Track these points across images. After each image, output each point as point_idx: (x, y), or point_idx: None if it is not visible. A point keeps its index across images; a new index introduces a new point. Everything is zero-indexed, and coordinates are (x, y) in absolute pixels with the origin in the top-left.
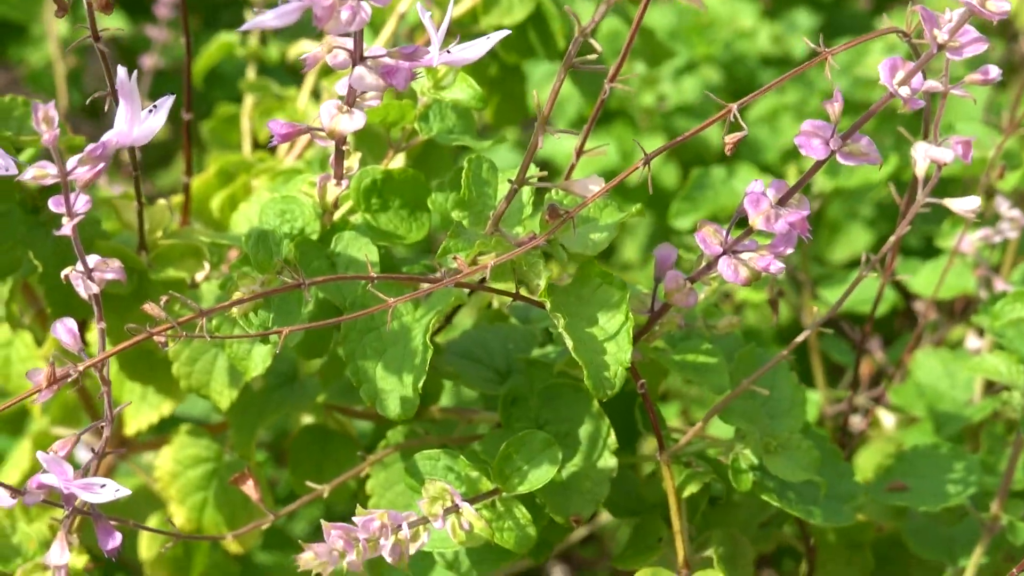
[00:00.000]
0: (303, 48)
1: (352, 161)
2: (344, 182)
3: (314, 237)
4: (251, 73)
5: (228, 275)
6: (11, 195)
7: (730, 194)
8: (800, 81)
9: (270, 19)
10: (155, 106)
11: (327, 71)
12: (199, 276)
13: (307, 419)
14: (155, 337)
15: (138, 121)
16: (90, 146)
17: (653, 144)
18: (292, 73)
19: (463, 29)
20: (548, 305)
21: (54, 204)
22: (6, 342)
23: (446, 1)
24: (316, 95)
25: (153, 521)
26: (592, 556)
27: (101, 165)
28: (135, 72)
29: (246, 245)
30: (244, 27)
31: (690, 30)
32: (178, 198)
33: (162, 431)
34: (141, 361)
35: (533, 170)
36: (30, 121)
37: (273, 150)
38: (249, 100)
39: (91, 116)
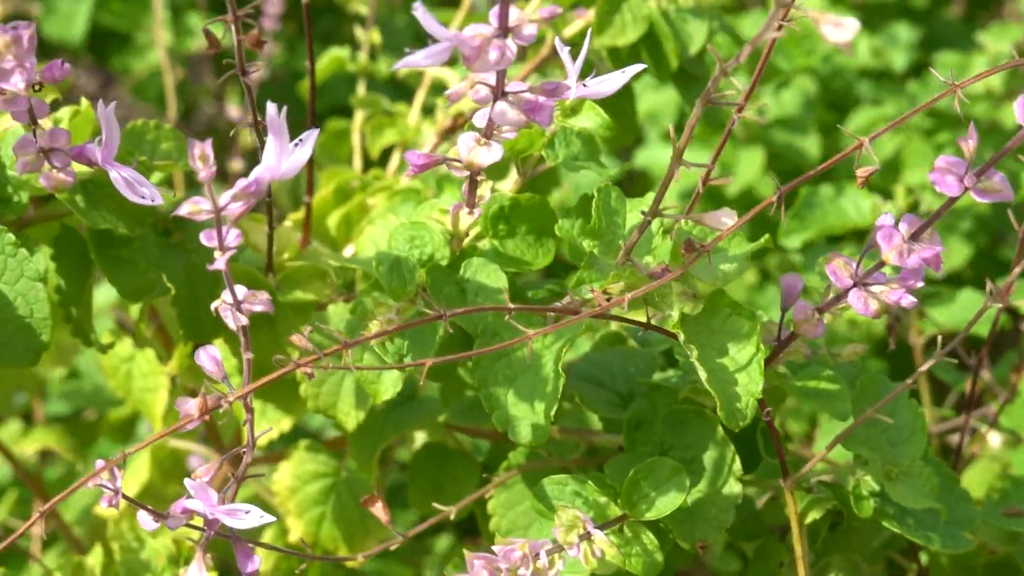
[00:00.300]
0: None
1: (484, 190)
2: (476, 211)
3: (443, 263)
4: (361, 88)
5: (359, 300)
6: (145, 219)
7: (838, 213)
8: (898, 93)
9: (420, 59)
10: (301, 140)
11: (439, 88)
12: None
13: (420, 435)
14: (301, 369)
15: (286, 155)
16: (243, 182)
17: (752, 157)
18: (401, 88)
19: (575, 49)
20: (681, 336)
21: (206, 238)
22: (128, 357)
23: (561, 23)
24: (426, 111)
25: (268, 535)
26: None
27: (253, 201)
28: (284, 108)
29: (378, 271)
30: (396, 66)
31: (788, 42)
32: (296, 215)
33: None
34: (273, 385)
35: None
36: (162, 145)
37: (384, 164)
38: (359, 115)
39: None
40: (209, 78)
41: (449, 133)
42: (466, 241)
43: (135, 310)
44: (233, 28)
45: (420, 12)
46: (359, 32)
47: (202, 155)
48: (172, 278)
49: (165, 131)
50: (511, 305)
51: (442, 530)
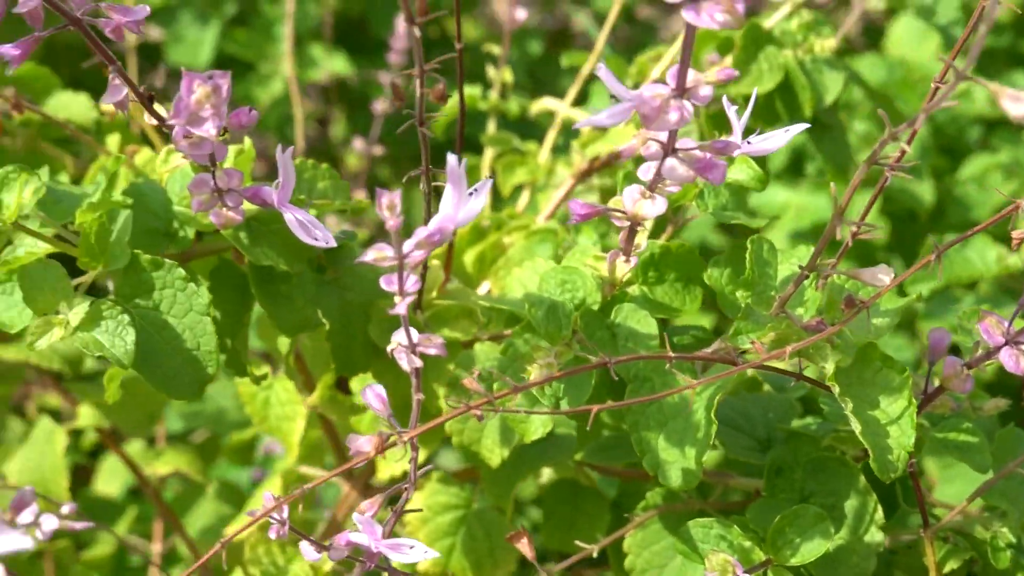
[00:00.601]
0: (545, 105)
1: (641, 239)
2: (633, 259)
3: (595, 308)
4: (491, 126)
5: (510, 341)
6: (303, 257)
7: (964, 263)
8: (1011, 140)
9: (603, 118)
10: (476, 189)
11: (569, 130)
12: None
13: (546, 470)
14: (472, 412)
15: (463, 204)
16: (426, 232)
17: (865, 199)
18: (530, 126)
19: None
20: (836, 389)
21: (385, 283)
22: (267, 385)
23: (699, 66)
24: (557, 150)
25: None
26: None
27: (433, 249)
28: (464, 160)
29: (532, 314)
30: (577, 125)
31: (901, 85)
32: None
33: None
34: (405, 412)
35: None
36: (319, 184)
37: (514, 201)
38: (489, 152)
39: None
40: (314, 103)
41: (585, 176)
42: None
43: (283, 343)
44: (418, 81)
45: (603, 73)
46: (491, 71)
47: (390, 205)
48: (327, 314)
49: (322, 171)
50: (671, 353)
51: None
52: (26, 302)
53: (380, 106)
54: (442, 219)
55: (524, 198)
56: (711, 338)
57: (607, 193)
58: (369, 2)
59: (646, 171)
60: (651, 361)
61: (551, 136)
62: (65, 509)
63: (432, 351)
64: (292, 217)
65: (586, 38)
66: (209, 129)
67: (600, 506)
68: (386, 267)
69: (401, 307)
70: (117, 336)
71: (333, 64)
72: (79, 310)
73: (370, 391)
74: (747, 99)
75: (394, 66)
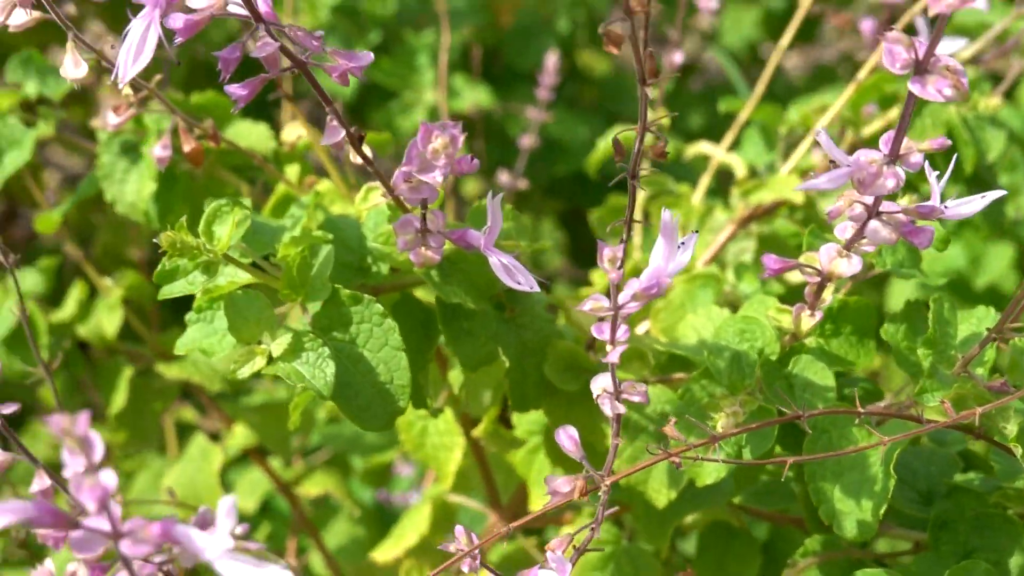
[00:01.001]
0: (701, 150)
1: (827, 294)
2: (818, 314)
3: (773, 358)
4: (644, 168)
5: (687, 386)
6: (488, 295)
7: None
8: None
9: (823, 182)
10: (683, 243)
11: (722, 172)
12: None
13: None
14: (672, 459)
15: (673, 257)
16: (642, 284)
17: (1002, 252)
18: (682, 168)
19: (866, 143)
20: (1019, 451)
21: (596, 331)
22: (424, 414)
23: (859, 120)
24: (711, 193)
25: None
26: None
27: (647, 301)
28: (677, 216)
29: (711, 362)
30: (800, 187)
31: None
32: (587, 290)
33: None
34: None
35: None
36: (503, 224)
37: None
38: (642, 193)
39: None
40: None
41: (746, 222)
42: (787, 336)
43: (456, 376)
44: (638, 138)
45: (823, 138)
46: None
47: (612, 258)
48: (506, 351)
49: (507, 211)
50: (859, 409)
51: None
52: (231, 331)
53: (527, 140)
54: (654, 271)
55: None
56: (877, 389)
57: (765, 240)
58: (507, 33)
59: (843, 230)
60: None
61: (705, 180)
62: (239, 529)
63: (636, 398)
64: (497, 261)
65: (709, 71)
66: (436, 177)
67: (752, 549)
68: (601, 316)
69: (613, 356)
70: (317, 368)
71: (477, 95)
72: (282, 341)
73: (563, 433)
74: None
75: (541, 101)
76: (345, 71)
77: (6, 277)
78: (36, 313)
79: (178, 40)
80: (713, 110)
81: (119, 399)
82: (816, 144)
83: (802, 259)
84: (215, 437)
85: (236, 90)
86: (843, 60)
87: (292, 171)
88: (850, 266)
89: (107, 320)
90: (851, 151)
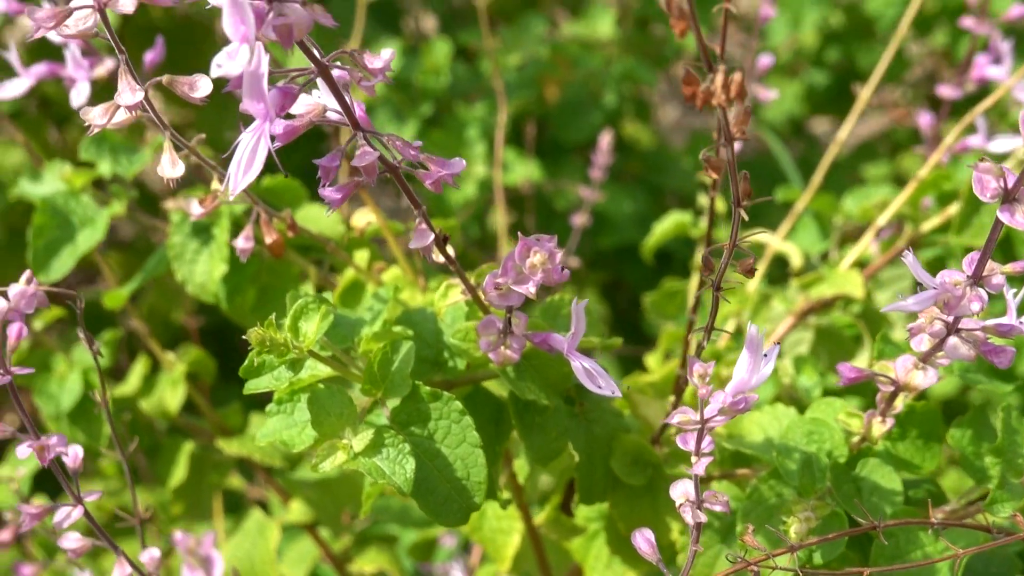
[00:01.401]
0: (756, 238)
1: (899, 402)
2: (889, 421)
3: (841, 461)
4: (699, 254)
5: (755, 486)
6: (559, 390)
7: None
8: None
9: (911, 305)
10: (766, 354)
11: (778, 260)
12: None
13: None
14: (750, 567)
15: (758, 370)
16: (728, 399)
17: None
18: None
19: (929, 241)
20: None
21: (681, 442)
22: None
23: (918, 216)
24: (769, 280)
25: None
26: None
27: (734, 416)
28: (760, 330)
29: (780, 463)
30: (886, 309)
31: None
32: (646, 378)
33: None
34: (628, 543)
35: None
36: None
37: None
38: (696, 278)
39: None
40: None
41: (804, 315)
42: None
43: (521, 466)
44: (727, 254)
45: (910, 260)
46: (702, 199)
47: (702, 374)
48: (576, 445)
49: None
50: (933, 519)
51: None
52: (314, 426)
53: (579, 219)
54: (738, 384)
55: (729, 326)
56: (941, 491)
57: (823, 332)
58: (553, 106)
59: (920, 342)
60: (897, 517)
61: (761, 268)
62: None
63: (718, 508)
64: (580, 366)
65: (749, 140)
66: (530, 288)
67: None
68: (686, 428)
69: (699, 467)
70: (398, 464)
71: (528, 170)
72: (363, 437)
73: (640, 536)
74: (966, 250)
75: (595, 181)
76: (439, 179)
77: (69, 349)
78: (99, 387)
79: (276, 144)
80: (754, 180)
81: (179, 474)
82: (875, 235)
83: (875, 368)
84: (262, 504)
85: (331, 194)
86: (884, 137)
87: (361, 257)
88: (926, 379)
89: (170, 396)
90: (910, 245)
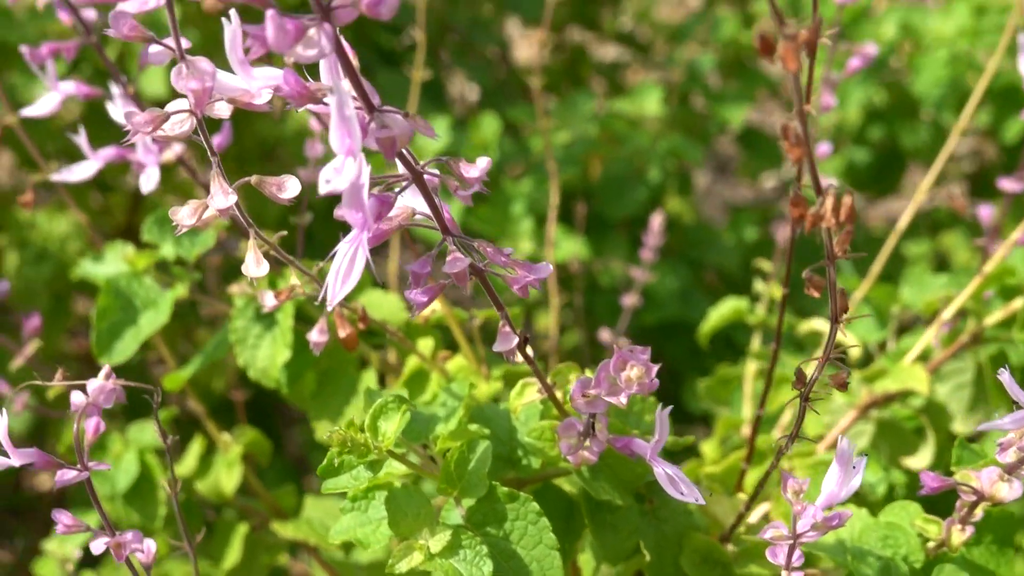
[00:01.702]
0: (813, 326)
1: (978, 510)
2: (969, 528)
3: (917, 566)
4: (756, 341)
5: None
6: (631, 490)
7: None
8: None
9: (1007, 424)
10: (856, 465)
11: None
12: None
13: None
14: None
15: (846, 485)
16: (820, 515)
17: None
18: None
19: (992, 335)
20: None
21: (771, 555)
22: None
23: (981, 311)
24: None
25: None
26: None
27: (826, 533)
28: (854, 444)
29: (857, 567)
30: (980, 428)
31: None
32: (706, 468)
33: None
34: None
35: None
36: (645, 417)
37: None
38: (752, 365)
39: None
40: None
41: (867, 409)
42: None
43: (587, 561)
44: (819, 368)
45: (1005, 378)
46: (758, 285)
47: (796, 491)
48: (646, 544)
49: (649, 403)
50: None
51: None
52: (391, 525)
53: (629, 300)
54: (828, 497)
55: (786, 416)
56: None
57: (884, 426)
58: (597, 182)
59: (1005, 455)
60: None
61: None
62: None
63: None
64: (663, 472)
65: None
66: (622, 400)
67: None
68: (768, 540)
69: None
70: (475, 566)
71: (575, 247)
72: (440, 538)
73: None
74: None
75: (645, 262)
76: (526, 284)
77: (124, 427)
78: (155, 468)
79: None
80: (797, 259)
81: (233, 555)
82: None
83: (958, 477)
84: None
85: (418, 297)
86: (924, 215)
87: (426, 345)
88: (1011, 491)
89: (226, 477)
90: (973, 340)
